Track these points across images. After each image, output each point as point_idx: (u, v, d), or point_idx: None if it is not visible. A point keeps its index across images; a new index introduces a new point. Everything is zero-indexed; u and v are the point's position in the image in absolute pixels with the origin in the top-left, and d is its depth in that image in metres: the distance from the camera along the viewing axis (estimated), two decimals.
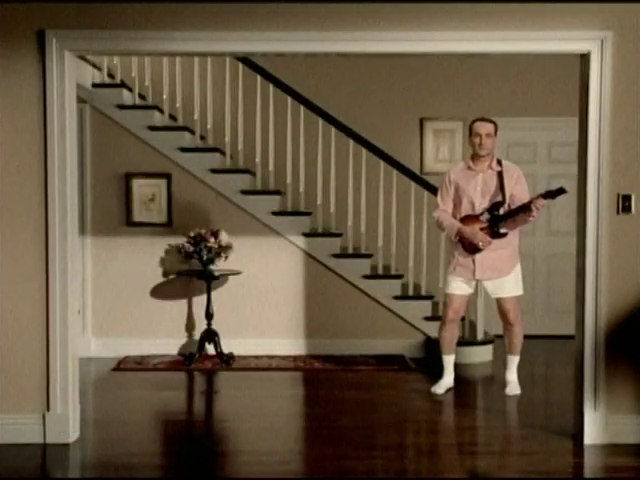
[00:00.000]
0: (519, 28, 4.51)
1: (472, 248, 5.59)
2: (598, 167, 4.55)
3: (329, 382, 6.18)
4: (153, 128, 7.10)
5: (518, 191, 5.58)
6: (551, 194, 5.33)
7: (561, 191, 5.25)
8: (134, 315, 7.12)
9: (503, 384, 5.86)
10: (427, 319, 7.07)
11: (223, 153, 7.24)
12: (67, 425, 4.64)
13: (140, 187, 7.03)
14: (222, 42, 4.57)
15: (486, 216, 5.55)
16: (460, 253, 5.67)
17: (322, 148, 7.02)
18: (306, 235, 7.09)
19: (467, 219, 5.61)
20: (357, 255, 7.14)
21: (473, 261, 5.62)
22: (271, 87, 7.10)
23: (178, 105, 7.24)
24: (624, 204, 4.56)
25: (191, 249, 6.69)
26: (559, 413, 5.20)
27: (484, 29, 4.51)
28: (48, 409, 4.64)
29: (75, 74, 4.70)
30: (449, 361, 5.88)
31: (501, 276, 5.65)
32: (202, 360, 6.71)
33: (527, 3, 4.51)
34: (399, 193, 7.17)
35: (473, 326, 7.06)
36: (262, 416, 5.32)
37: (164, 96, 7.26)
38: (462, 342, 6.66)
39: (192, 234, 6.70)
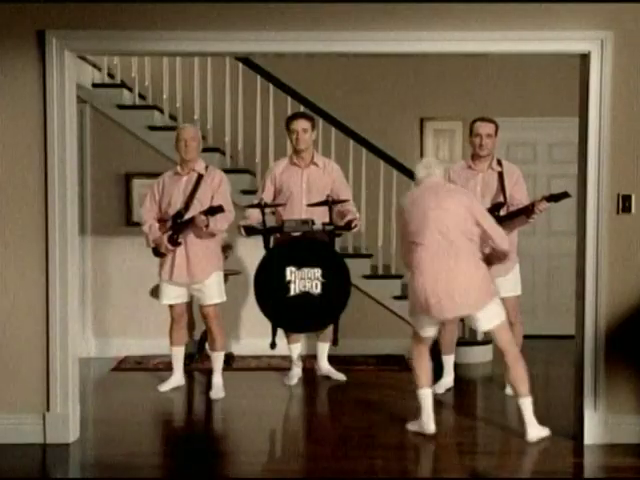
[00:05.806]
0: (519, 28, 4.51)
1: None
2: (598, 167, 4.55)
3: (329, 382, 6.18)
4: (153, 128, 7.09)
5: (517, 192, 5.58)
6: (554, 197, 5.32)
7: (565, 195, 5.24)
8: (134, 315, 7.11)
9: (503, 384, 5.86)
10: None
11: (223, 153, 7.25)
12: (67, 425, 4.64)
13: (140, 187, 7.02)
14: (222, 42, 4.58)
15: None
16: None
17: (322, 148, 7.01)
18: None
19: None
20: (357, 255, 7.14)
21: None
22: (271, 87, 7.10)
23: (178, 105, 7.24)
24: (624, 204, 4.57)
25: None
26: (559, 413, 5.20)
27: (484, 29, 4.52)
28: (48, 409, 4.64)
29: (75, 74, 4.70)
30: (449, 361, 5.88)
31: (500, 276, 5.64)
32: (202, 360, 6.71)
33: (527, 3, 4.51)
34: (399, 193, 7.16)
35: None
36: (262, 416, 5.32)
37: (164, 96, 7.26)
38: (462, 342, 6.65)
39: None
